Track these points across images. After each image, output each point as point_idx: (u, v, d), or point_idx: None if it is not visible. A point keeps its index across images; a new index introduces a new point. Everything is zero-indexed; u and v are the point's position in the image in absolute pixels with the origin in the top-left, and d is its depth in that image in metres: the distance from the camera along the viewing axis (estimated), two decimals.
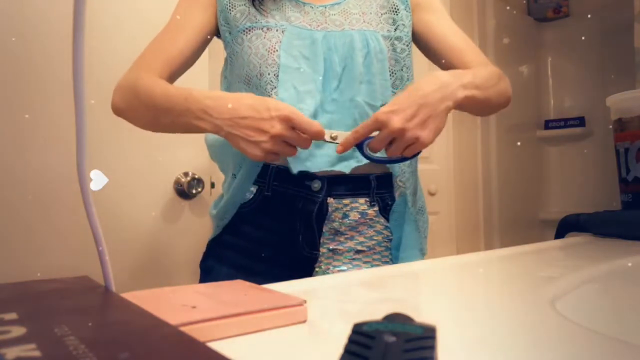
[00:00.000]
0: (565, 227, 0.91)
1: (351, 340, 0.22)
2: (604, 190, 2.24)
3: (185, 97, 0.71)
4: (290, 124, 0.66)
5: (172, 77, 0.83)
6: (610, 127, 0.96)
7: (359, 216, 0.81)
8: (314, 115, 0.79)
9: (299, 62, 0.80)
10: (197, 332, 0.29)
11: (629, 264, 0.60)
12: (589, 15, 2.72)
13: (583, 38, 2.74)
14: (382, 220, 0.83)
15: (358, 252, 0.82)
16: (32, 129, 1.03)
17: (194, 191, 1.20)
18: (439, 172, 2.08)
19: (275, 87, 0.79)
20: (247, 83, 0.82)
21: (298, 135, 0.68)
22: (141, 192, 1.15)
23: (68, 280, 0.35)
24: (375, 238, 0.83)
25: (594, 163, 2.65)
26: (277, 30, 0.81)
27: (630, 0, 2.01)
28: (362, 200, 0.82)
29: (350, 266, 0.81)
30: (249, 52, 0.81)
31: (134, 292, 0.39)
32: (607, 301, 0.51)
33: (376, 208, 0.83)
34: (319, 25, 0.83)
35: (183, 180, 1.19)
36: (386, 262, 0.83)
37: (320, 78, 0.80)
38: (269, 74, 0.79)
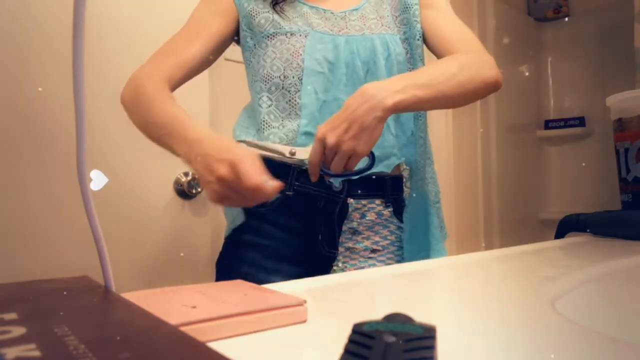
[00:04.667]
0: (565, 227, 0.91)
1: (351, 340, 0.22)
2: (604, 190, 2.24)
3: (174, 121, 0.72)
4: (235, 169, 0.64)
5: (182, 80, 0.85)
6: (611, 127, 0.96)
7: (375, 216, 0.85)
8: None
9: (322, 66, 0.82)
10: (197, 332, 0.29)
11: (629, 264, 0.60)
12: (589, 15, 2.72)
13: (583, 38, 2.74)
14: (395, 220, 0.87)
15: (374, 251, 0.85)
16: (32, 128, 1.03)
17: (194, 191, 1.20)
18: (439, 172, 2.07)
19: (298, 91, 0.82)
20: (266, 82, 0.84)
21: (239, 185, 0.65)
22: (141, 192, 1.15)
23: (68, 280, 0.35)
24: (389, 238, 0.86)
25: (594, 163, 2.65)
26: (300, 35, 0.83)
27: (630, 0, 2.01)
28: (378, 201, 0.85)
29: (367, 265, 0.84)
30: (273, 57, 0.83)
31: (134, 292, 0.39)
32: (607, 301, 0.51)
33: (391, 209, 0.86)
34: (340, 30, 0.85)
35: (183, 180, 1.19)
36: (398, 261, 0.86)
37: (344, 84, 0.82)
38: (293, 77, 0.82)
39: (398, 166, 0.87)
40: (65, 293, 0.31)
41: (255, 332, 0.33)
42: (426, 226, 0.89)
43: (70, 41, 0.29)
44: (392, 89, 0.74)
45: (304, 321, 0.36)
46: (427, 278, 0.57)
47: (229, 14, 0.88)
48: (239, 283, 0.43)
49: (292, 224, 0.83)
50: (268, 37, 0.85)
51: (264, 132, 0.84)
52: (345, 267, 0.83)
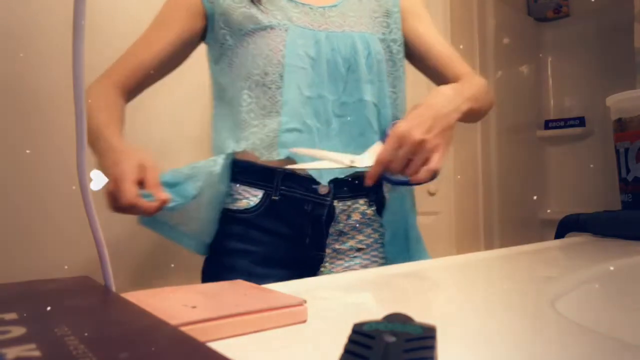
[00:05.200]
0: (565, 227, 0.91)
1: (351, 340, 0.22)
2: (604, 190, 2.24)
3: (95, 131, 0.73)
4: (117, 185, 0.66)
5: (141, 82, 0.84)
6: (611, 127, 0.96)
7: (360, 216, 0.85)
8: (328, 122, 0.81)
9: (304, 62, 0.80)
10: (197, 332, 0.29)
11: (629, 264, 0.60)
12: (589, 15, 2.72)
13: (583, 38, 2.74)
14: (379, 219, 0.87)
15: (359, 250, 0.86)
16: (32, 128, 1.03)
17: None
18: (439, 172, 2.07)
19: (280, 88, 0.80)
20: (246, 79, 0.81)
21: (118, 201, 0.66)
22: None
23: (68, 280, 0.35)
24: (372, 236, 0.87)
25: (594, 163, 2.65)
26: (280, 30, 0.81)
27: (630, 0, 2.01)
28: (362, 200, 0.85)
29: (352, 263, 0.85)
30: (254, 53, 0.81)
31: (134, 292, 0.39)
32: (607, 301, 0.51)
33: (374, 208, 0.86)
34: (320, 26, 0.84)
35: None
36: (383, 258, 0.87)
37: (327, 81, 0.81)
38: (274, 73, 0.80)
39: None
40: (65, 293, 0.31)
41: (255, 332, 0.33)
42: (405, 228, 0.88)
43: (70, 40, 0.29)
44: (463, 95, 0.78)
45: (304, 321, 0.36)
46: (427, 278, 0.57)
47: (195, 12, 0.85)
48: (239, 283, 0.43)
49: (279, 229, 0.82)
50: (247, 33, 0.82)
51: (243, 132, 0.82)
52: (333, 267, 0.84)
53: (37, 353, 0.19)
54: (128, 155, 0.69)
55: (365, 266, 0.85)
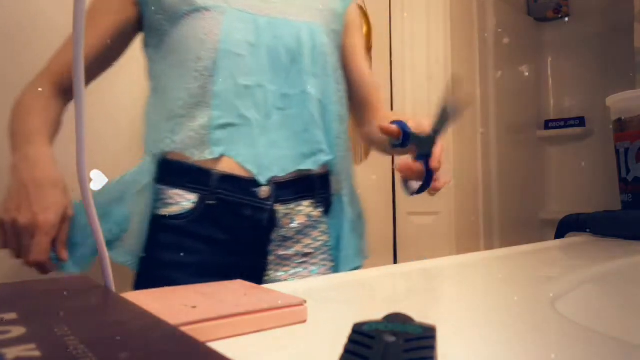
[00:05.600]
0: (565, 227, 0.91)
1: (351, 340, 0.22)
2: (604, 190, 2.24)
3: (19, 135, 0.71)
4: (34, 224, 0.63)
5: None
6: (610, 127, 0.96)
7: (306, 219, 0.79)
8: (268, 114, 0.74)
9: (242, 48, 0.73)
10: (197, 332, 0.29)
11: (629, 264, 0.60)
12: (589, 15, 2.72)
13: (583, 38, 2.74)
14: (326, 219, 0.82)
15: (305, 254, 0.80)
16: None
17: None
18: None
19: (212, 76, 0.72)
20: (179, 67, 0.74)
21: (27, 245, 0.64)
22: None
23: (68, 280, 0.35)
24: (320, 239, 0.81)
25: (594, 163, 2.65)
26: (216, 12, 0.74)
27: (630, 0, 2.01)
28: (306, 202, 0.79)
29: (300, 270, 0.79)
30: (187, 37, 0.74)
31: (134, 292, 0.39)
32: (607, 301, 0.51)
33: (321, 209, 0.81)
34: (261, 11, 0.77)
35: None
36: (332, 261, 0.82)
37: (267, 70, 0.75)
38: (207, 59, 0.72)
39: (324, 165, 0.81)
40: (65, 293, 0.31)
41: (255, 332, 0.33)
42: (348, 238, 0.82)
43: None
44: None
45: (304, 321, 0.36)
46: (427, 278, 0.57)
47: (126, 0, 0.78)
48: (239, 283, 0.43)
49: (216, 236, 0.74)
50: (182, 16, 0.74)
51: (172, 127, 0.74)
52: (278, 275, 0.78)
53: (37, 353, 0.19)
54: (53, 185, 0.67)
55: (312, 269, 0.80)
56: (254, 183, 0.74)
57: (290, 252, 0.78)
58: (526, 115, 2.78)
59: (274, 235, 0.76)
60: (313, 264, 0.80)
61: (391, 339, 0.22)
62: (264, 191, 0.75)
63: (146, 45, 0.81)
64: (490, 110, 2.34)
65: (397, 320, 0.23)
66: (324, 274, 0.80)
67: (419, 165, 0.67)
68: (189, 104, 0.73)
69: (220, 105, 0.72)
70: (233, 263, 0.75)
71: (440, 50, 2.10)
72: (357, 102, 0.91)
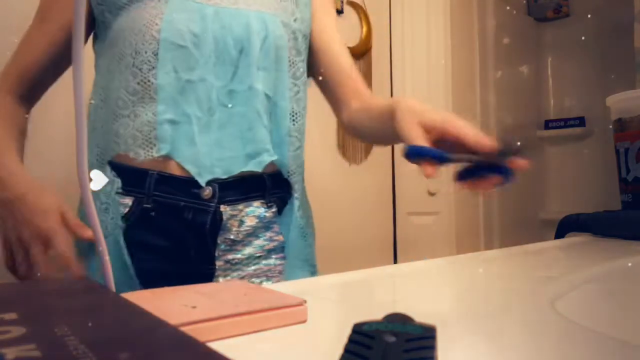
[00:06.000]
0: (565, 227, 0.91)
1: (351, 340, 0.22)
2: (604, 190, 2.24)
3: None
4: (63, 218, 0.60)
5: (39, 84, 0.74)
6: (610, 127, 0.96)
7: (257, 220, 0.73)
8: (211, 111, 0.69)
9: (184, 39, 0.68)
10: (197, 332, 0.29)
11: (629, 264, 0.60)
12: (589, 15, 2.72)
13: (583, 38, 2.74)
14: (279, 219, 0.77)
15: (258, 257, 0.74)
16: (32, 129, 1.03)
17: None
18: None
19: (153, 68, 0.67)
20: (118, 62, 0.69)
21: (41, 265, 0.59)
22: None
23: (68, 280, 0.35)
24: (275, 239, 0.75)
25: (594, 163, 2.65)
26: (158, 1, 0.68)
27: (630, 0, 2.01)
28: (257, 203, 0.73)
29: (252, 272, 0.73)
30: (126, 28, 0.69)
31: (134, 292, 0.39)
32: (607, 301, 0.51)
33: (274, 209, 0.75)
34: (209, 0, 0.71)
35: None
36: (285, 259, 0.77)
37: (213, 63, 0.69)
38: (146, 52, 0.67)
39: (273, 164, 0.75)
40: (65, 293, 0.31)
41: (255, 332, 0.33)
42: (294, 245, 0.76)
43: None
44: None
45: (304, 321, 0.36)
46: (427, 278, 0.57)
47: None
48: (239, 283, 0.43)
49: (156, 242, 0.69)
50: (123, 7, 0.69)
51: (112, 125, 0.69)
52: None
53: (37, 353, 0.19)
54: (38, 191, 0.63)
55: (266, 272, 0.74)
56: (194, 183, 0.69)
57: (240, 255, 0.72)
58: (526, 115, 2.78)
59: (220, 239, 0.70)
60: (267, 265, 0.75)
61: (391, 339, 0.22)
62: (206, 192, 0.69)
63: (94, 40, 0.76)
64: (490, 110, 2.34)
65: (397, 320, 0.23)
66: (280, 276, 0.75)
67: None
68: (130, 102, 0.68)
69: (165, 99, 0.67)
70: (176, 271, 0.69)
71: (440, 50, 2.10)
72: (332, 87, 0.84)
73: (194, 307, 0.34)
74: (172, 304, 0.35)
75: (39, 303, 0.29)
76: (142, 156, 0.68)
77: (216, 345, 0.30)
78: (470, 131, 0.55)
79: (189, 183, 0.68)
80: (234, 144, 0.70)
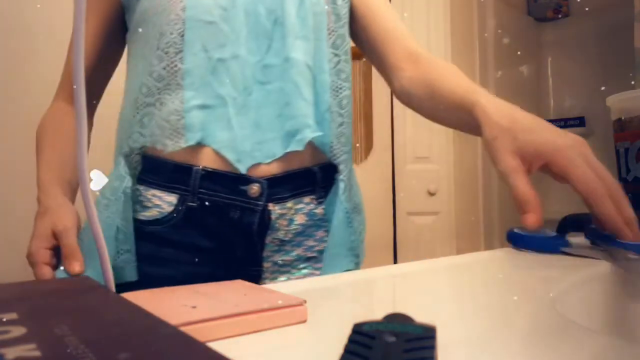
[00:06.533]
0: (565, 227, 0.91)
1: (351, 340, 0.22)
2: None
3: (38, 168, 0.66)
4: (56, 238, 0.57)
5: (94, 87, 0.72)
6: (611, 127, 0.96)
7: (306, 218, 0.68)
8: (247, 90, 0.64)
9: (212, 14, 0.62)
10: (197, 332, 0.29)
11: (629, 264, 0.60)
12: (589, 15, 2.72)
13: (583, 38, 2.74)
14: None
15: (308, 259, 0.69)
16: (32, 129, 1.03)
17: None
18: (439, 172, 2.08)
19: (180, 51, 0.62)
20: (144, 46, 0.64)
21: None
22: None
23: (68, 280, 0.35)
24: (326, 239, 0.70)
25: None
26: None
27: (630, 0, 2.01)
28: (307, 199, 0.68)
29: (301, 276, 0.69)
30: (149, 8, 0.64)
31: (134, 292, 0.39)
32: (607, 301, 0.51)
33: (324, 206, 0.70)
34: None
35: None
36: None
37: (245, 38, 0.64)
38: (171, 33, 0.62)
39: (321, 154, 0.69)
40: (65, 293, 0.31)
41: (255, 332, 0.33)
42: (338, 233, 0.69)
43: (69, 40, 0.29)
44: None
45: (304, 321, 0.36)
46: (427, 278, 0.57)
47: None
48: (239, 283, 0.43)
49: (200, 243, 0.65)
50: None
51: (139, 118, 0.65)
52: (275, 283, 0.67)
53: (37, 353, 0.19)
54: (42, 222, 0.59)
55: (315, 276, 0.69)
56: (242, 179, 0.64)
57: (289, 257, 0.68)
58: None
59: (268, 240, 0.66)
60: (317, 269, 0.70)
61: (391, 339, 0.22)
62: (253, 189, 0.64)
63: (125, 29, 0.73)
64: None
65: (397, 320, 0.24)
66: None
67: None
68: (156, 89, 0.63)
69: (193, 84, 0.62)
70: (221, 274, 0.64)
71: (440, 50, 2.10)
72: (379, 53, 0.77)
73: (194, 307, 0.34)
74: (172, 304, 0.35)
75: (39, 303, 0.29)
76: (169, 147, 0.63)
77: (216, 345, 0.30)
78: (588, 187, 0.48)
79: (235, 179, 0.64)
80: (273, 124, 0.65)
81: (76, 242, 0.57)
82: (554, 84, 2.93)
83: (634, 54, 2.00)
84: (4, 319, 0.24)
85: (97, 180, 0.76)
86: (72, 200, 0.66)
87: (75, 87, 0.30)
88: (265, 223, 0.65)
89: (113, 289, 0.34)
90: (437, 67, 0.72)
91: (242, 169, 0.63)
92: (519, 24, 2.73)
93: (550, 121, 0.56)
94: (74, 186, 0.67)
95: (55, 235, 0.57)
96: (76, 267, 0.54)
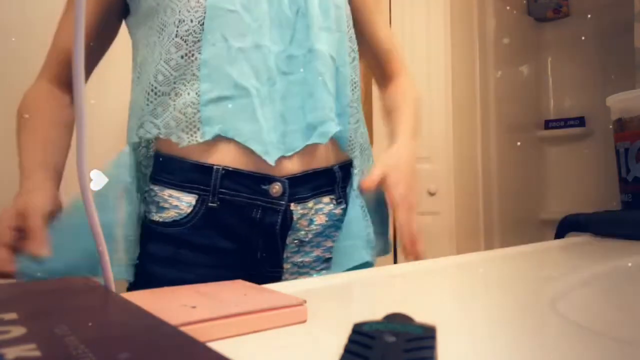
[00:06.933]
0: (565, 227, 0.91)
1: (351, 340, 0.22)
2: (604, 190, 2.24)
3: (20, 149, 0.65)
4: (25, 219, 0.54)
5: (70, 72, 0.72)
6: (610, 127, 0.96)
7: (326, 219, 0.68)
8: (271, 81, 0.62)
9: (233, 3, 0.61)
10: (197, 332, 0.29)
11: (629, 264, 0.60)
12: (589, 15, 2.72)
13: (583, 38, 2.74)
14: None
15: (326, 260, 0.69)
16: None
17: None
18: (439, 172, 2.08)
19: (199, 41, 0.60)
20: (160, 33, 0.62)
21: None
22: None
23: (68, 280, 0.35)
24: None
25: (594, 163, 2.65)
26: None
27: (630, 0, 2.01)
28: (326, 199, 0.68)
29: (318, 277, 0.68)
30: None
31: (134, 292, 0.39)
32: (607, 301, 0.51)
33: (344, 206, 0.70)
34: None
35: None
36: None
37: (268, 27, 0.62)
38: (191, 20, 0.60)
39: (343, 150, 0.69)
40: (65, 293, 0.31)
41: (255, 332, 0.33)
42: (354, 224, 0.68)
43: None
44: (416, 139, 0.74)
45: (304, 321, 0.36)
46: (427, 278, 0.57)
47: None
48: (239, 283, 0.43)
49: (221, 245, 0.63)
50: None
51: (153, 108, 0.62)
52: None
53: (37, 353, 0.19)
54: (13, 203, 0.57)
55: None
56: (264, 179, 0.62)
57: (308, 258, 0.67)
58: (526, 115, 2.78)
59: (289, 240, 0.65)
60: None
61: (391, 339, 0.22)
62: (275, 188, 0.63)
63: (124, 13, 0.71)
64: (490, 110, 2.34)
65: (397, 320, 0.23)
66: None
67: None
68: (172, 78, 0.61)
69: (210, 75, 0.60)
70: (240, 276, 0.64)
71: (440, 50, 2.10)
72: (374, 63, 0.81)
73: (194, 307, 0.34)
74: (172, 304, 0.35)
75: (39, 303, 0.29)
76: (185, 141, 0.61)
77: (216, 345, 0.30)
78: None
79: (257, 179, 0.62)
80: (296, 115, 0.63)
81: (41, 224, 0.54)
82: (554, 84, 2.93)
83: (634, 54, 2.00)
84: (4, 319, 0.24)
85: (97, 180, 0.76)
86: (57, 184, 0.64)
87: (75, 86, 0.30)
88: (287, 223, 0.65)
89: (113, 289, 0.34)
90: (397, 93, 0.83)
91: (270, 160, 0.62)
92: (519, 24, 2.73)
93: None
94: (59, 169, 0.65)
95: (20, 216, 0.55)
96: (37, 249, 0.52)
